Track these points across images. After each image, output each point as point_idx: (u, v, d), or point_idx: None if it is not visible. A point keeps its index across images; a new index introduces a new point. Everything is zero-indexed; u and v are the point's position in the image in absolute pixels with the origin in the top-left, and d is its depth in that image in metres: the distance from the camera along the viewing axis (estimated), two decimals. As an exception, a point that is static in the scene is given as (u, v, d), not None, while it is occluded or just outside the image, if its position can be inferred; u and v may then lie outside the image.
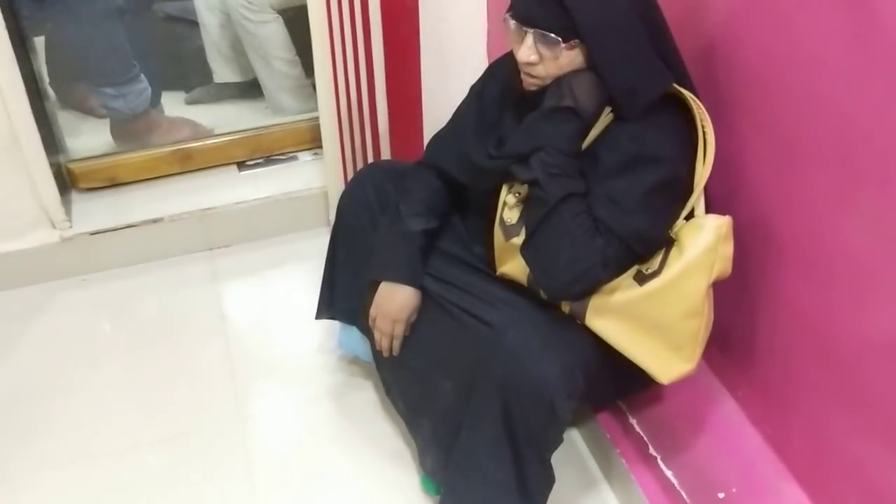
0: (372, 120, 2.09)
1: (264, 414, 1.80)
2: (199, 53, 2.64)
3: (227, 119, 2.53)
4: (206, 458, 1.70)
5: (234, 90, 2.69)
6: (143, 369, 1.91)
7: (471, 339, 1.40)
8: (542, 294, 1.37)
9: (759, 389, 1.51)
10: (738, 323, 1.52)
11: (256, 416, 1.79)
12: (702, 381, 1.62)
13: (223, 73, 2.68)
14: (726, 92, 1.42)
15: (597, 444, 1.65)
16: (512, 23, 1.29)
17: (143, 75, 2.32)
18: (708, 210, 1.36)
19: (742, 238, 1.42)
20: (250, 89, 2.65)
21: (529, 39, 1.27)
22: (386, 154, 2.16)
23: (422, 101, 2.13)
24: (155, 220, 2.16)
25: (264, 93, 2.59)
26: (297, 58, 2.51)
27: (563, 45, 1.24)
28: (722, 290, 1.42)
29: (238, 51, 2.59)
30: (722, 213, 1.34)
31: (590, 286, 1.30)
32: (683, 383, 1.48)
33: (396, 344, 1.54)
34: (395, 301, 1.51)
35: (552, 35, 1.24)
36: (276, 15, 2.47)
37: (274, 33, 2.48)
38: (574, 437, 1.71)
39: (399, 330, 1.52)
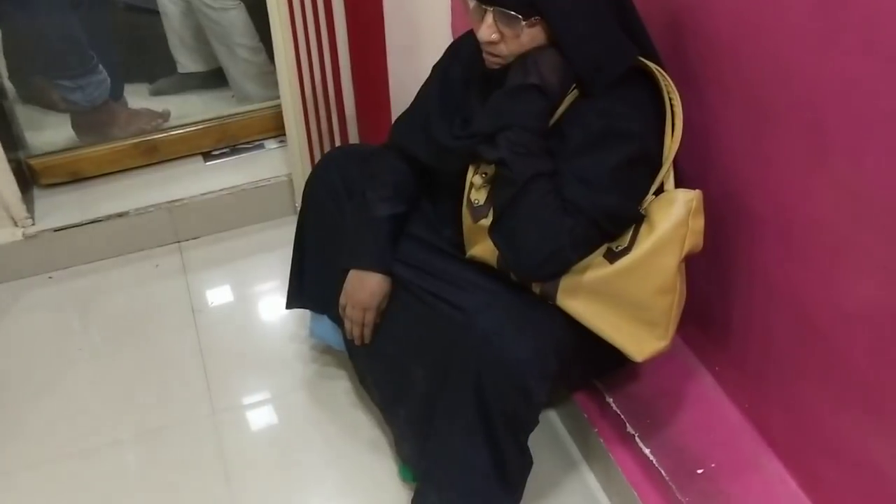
0: (338, 104, 2.06)
1: (238, 406, 1.77)
2: (162, 43, 2.59)
3: (192, 109, 2.48)
4: (180, 453, 1.67)
5: (198, 80, 2.64)
6: (115, 366, 1.87)
7: (442, 324, 1.38)
8: (513, 276, 1.34)
9: (736, 364, 1.50)
10: (713, 297, 1.50)
11: (230, 409, 1.76)
12: (679, 358, 1.60)
13: (186, 62, 2.63)
14: (695, 63, 1.39)
15: (575, 424, 1.64)
16: (471, 2, 1.26)
17: (101, 66, 2.26)
18: (681, 184, 1.34)
19: (716, 211, 1.40)
20: (215, 78, 2.60)
21: (489, 18, 1.24)
22: (354, 138, 2.12)
23: (388, 83, 2.09)
24: (120, 215, 2.11)
25: (229, 81, 2.55)
26: (260, 44, 2.46)
27: (523, 22, 1.21)
28: (697, 265, 1.41)
29: (201, 40, 2.53)
30: (695, 186, 1.32)
31: (560, 266, 1.28)
32: (661, 360, 1.46)
33: (367, 332, 1.51)
34: (364, 288, 1.48)
35: (512, 13, 1.21)
36: (238, 1, 2.41)
37: (236, 20, 2.43)
38: (552, 419, 1.70)
39: (370, 318, 1.50)
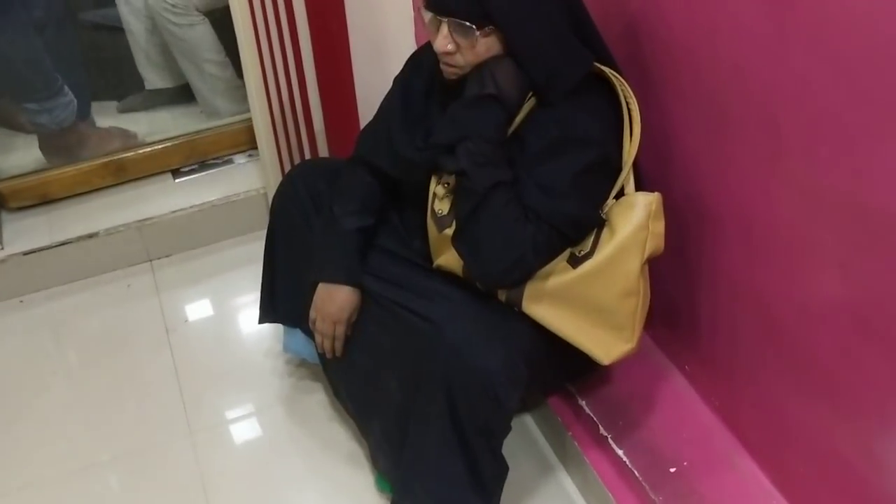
0: (306, 117, 2.06)
1: (215, 425, 1.77)
2: (129, 61, 2.58)
3: (161, 126, 2.47)
4: (158, 475, 1.67)
5: (166, 96, 2.63)
6: (90, 388, 1.86)
7: (412, 335, 1.38)
8: (478, 284, 1.35)
9: (706, 363, 1.52)
10: (681, 298, 1.52)
11: (207, 428, 1.76)
12: (650, 359, 1.62)
13: (154, 79, 2.62)
14: (653, 69, 1.41)
15: (550, 428, 1.64)
16: (427, 13, 1.26)
17: (66, 88, 2.25)
18: (643, 187, 1.36)
19: (679, 213, 1.42)
20: (184, 94, 2.60)
21: (445, 29, 1.25)
22: (324, 151, 2.12)
23: (356, 95, 2.09)
24: (91, 235, 2.10)
25: (197, 97, 2.54)
26: (227, 59, 2.45)
27: (477, 32, 1.22)
28: (664, 266, 1.42)
29: (168, 56, 2.52)
30: (658, 189, 1.33)
31: (523, 274, 1.29)
32: (632, 361, 1.48)
33: (339, 345, 1.51)
34: (334, 302, 1.48)
35: (466, 23, 1.22)
36: (202, 17, 2.41)
37: (202, 36, 2.42)
38: (528, 424, 1.71)
39: (340, 331, 1.50)
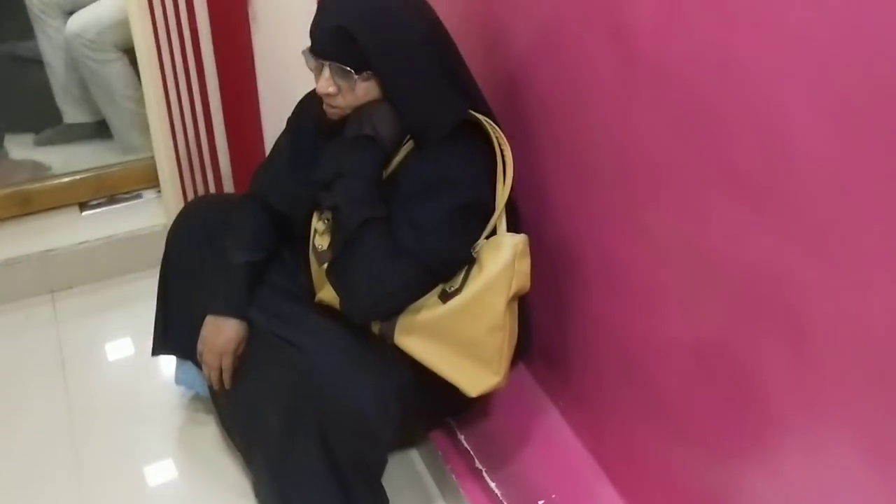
0: (212, 158, 2.11)
1: (102, 459, 1.75)
2: (49, 94, 2.59)
3: (76, 160, 2.47)
4: (39, 507, 1.66)
5: (85, 130, 2.65)
6: (-24, 419, 1.85)
7: (289, 368, 1.42)
8: (351, 316, 1.40)
9: (577, 399, 1.59)
10: (556, 336, 1.59)
11: (94, 458, 1.75)
12: (529, 395, 1.68)
13: (73, 113, 2.64)
14: (529, 119, 1.50)
15: (432, 461, 1.69)
16: (309, 57, 1.33)
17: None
18: (521, 228, 1.43)
19: (552, 256, 1.50)
20: (101, 129, 2.61)
21: (326, 72, 1.32)
22: (230, 190, 2.16)
23: (263, 137, 2.15)
24: (-10, 265, 2.10)
25: (112, 132, 2.56)
26: (143, 96, 2.48)
27: (356, 76, 1.30)
28: (541, 305, 1.50)
29: (87, 91, 2.54)
30: (533, 232, 1.41)
31: (392, 307, 1.35)
32: (512, 397, 1.54)
33: (226, 377, 1.54)
34: (221, 334, 1.51)
35: (347, 67, 1.29)
36: (120, 54, 2.44)
37: (118, 72, 2.45)
38: (413, 457, 1.74)
39: (227, 363, 1.52)
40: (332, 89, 1.33)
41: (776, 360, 1.04)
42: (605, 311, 1.41)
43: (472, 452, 1.57)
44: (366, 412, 1.33)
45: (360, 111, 1.34)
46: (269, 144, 2.12)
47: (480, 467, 1.54)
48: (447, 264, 1.36)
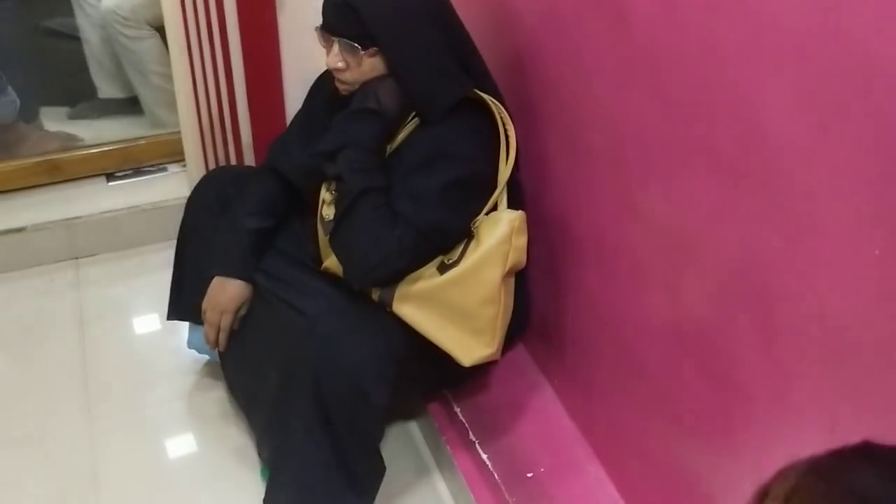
0: (234, 130, 2.16)
1: (113, 418, 1.83)
2: (85, 69, 2.67)
3: (108, 134, 2.55)
4: (50, 462, 1.72)
5: (118, 106, 2.72)
6: (-4, 373, 1.93)
7: (288, 329, 1.47)
8: (351, 283, 1.45)
9: (570, 377, 1.62)
10: (551, 314, 1.63)
11: (106, 416, 1.82)
12: (525, 371, 1.72)
13: (107, 88, 2.71)
14: (532, 99, 1.54)
15: (428, 432, 1.74)
16: (320, 33, 1.39)
17: (10, 87, 2.34)
18: (522, 206, 1.48)
19: (549, 232, 1.54)
20: (134, 105, 2.68)
21: (336, 48, 1.37)
22: (250, 162, 2.22)
23: (285, 111, 2.20)
24: (18, 230, 2.18)
25: (143, 107, 2.64)
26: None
27: (363, 52, 1.35)
28: (537, 283, 1.54)
29: (121, 67, 2.62)
30: (534, 209, 1.45)
31: (389, 273, 1.40)
32: (508, 373, 1.59)
33: (223, 337, 1.59)
34: (224, 293, 1.57)
35: (354, 44, 1.34)
36: (153, 31, 2.52)
37: (150, 49, 2.53)
38: (411, 428, 1.79)
39: (226, 322, 1.58)
40: (340, 64, 1.38)
41: (749, 337, 1.07)
42: (598, 289, 1.44)
43: (466, 425, 1.61)
44: (360, 372, 1.38)
45: (366, 85, 1.39)
46: (290, 116, 2.18)
47: (474, 439, 1.58)
48: (442, 233, 1.40)
